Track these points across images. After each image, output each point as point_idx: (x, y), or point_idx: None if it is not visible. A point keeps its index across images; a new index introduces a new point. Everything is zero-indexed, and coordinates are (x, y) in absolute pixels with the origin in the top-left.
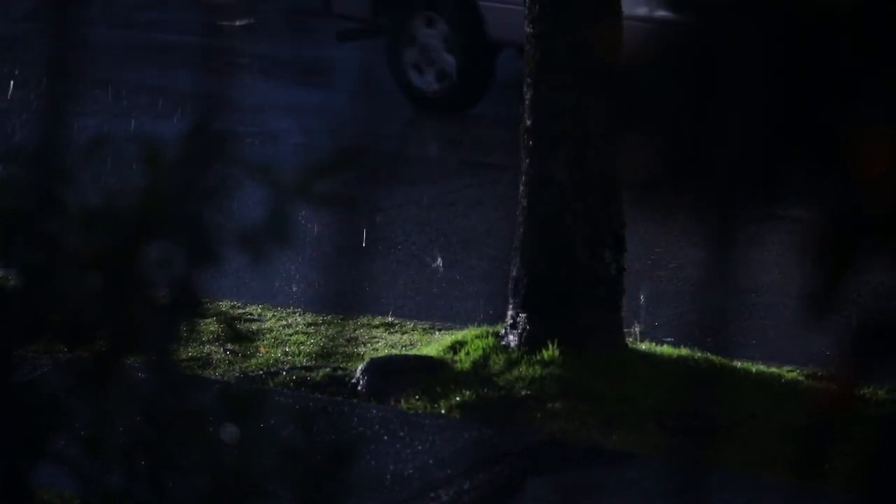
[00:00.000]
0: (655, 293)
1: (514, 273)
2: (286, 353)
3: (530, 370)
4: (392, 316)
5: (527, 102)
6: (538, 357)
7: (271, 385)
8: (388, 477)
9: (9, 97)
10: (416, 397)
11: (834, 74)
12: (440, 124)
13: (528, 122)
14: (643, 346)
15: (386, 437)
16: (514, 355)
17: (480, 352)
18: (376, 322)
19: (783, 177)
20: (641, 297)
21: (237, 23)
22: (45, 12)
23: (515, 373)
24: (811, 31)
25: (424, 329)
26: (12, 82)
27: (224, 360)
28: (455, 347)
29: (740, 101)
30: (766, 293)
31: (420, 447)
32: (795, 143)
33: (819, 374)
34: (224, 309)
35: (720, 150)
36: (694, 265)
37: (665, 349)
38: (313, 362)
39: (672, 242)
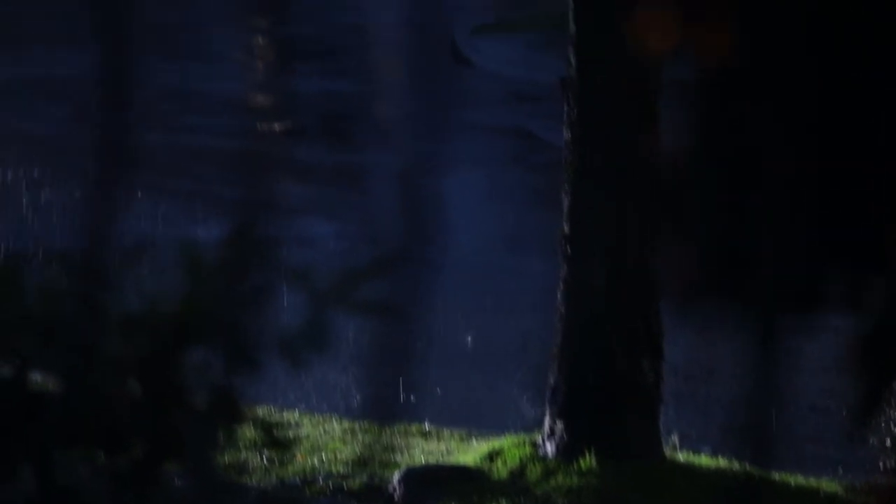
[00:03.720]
0: (693, 401)
1: (551, 381)
2: (323, 461)
3: (567, 480)
4: (429, 423)
5: (565, 209)
6: (575, 467)
7: (308, 493)
8: None
9: (49, 200)
10: None
11: (875, 182)
12: (475, 228)
13: (566, 229)
14: (681, 456)
15: None
16: (552, 465)
17: (517, 461)
18: (413, 429)
19: (824, 287)
20: (679, 405)
21: (276, 127)
22: (85, 115)
23: (553, 483)
24: (848, 141)
25: (461, 437)
26: (53, 185)
27: (261, 467)
28: (492, 456)
29: (781, 211)
30: (805, 403)
31: None
32: (837, 253)
33: (859, 486)
34: (261, 415)
35: (760, 259)
36: (732, 373)
37: (703, 459)
38: (350, 470)
39: (710, 350)
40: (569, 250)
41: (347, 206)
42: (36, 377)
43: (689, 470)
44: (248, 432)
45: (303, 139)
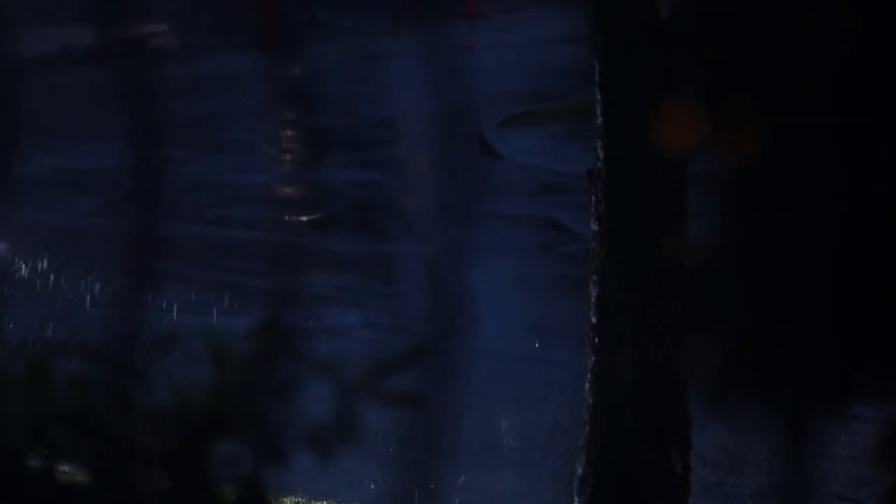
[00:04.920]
0: (722, 491)
1: (579, 471)
2: None
3: None
4: None
5: (592, 299)
6: None
7: None
8: None
9: (77, 293)
10: None
11: None
12: (502, 317)
13: (594, 320)
14: None
15: None
16: None
17: None
18: None
19: (853, 377)
20: (708, 495)
21: (305, 217)
22: (114, 207)
23: None
24: (876, 235)
25: None
26: (82, 277)
27: None
28: None
29: (809, 301)
30: (835, 493)
31: None
32: (865, 344)
33: None
34: None
35: (790, 349)
36: (761, 463)
37: None
38: None
39: (739, 440)
40: (596, 341)
41: (376, 295)
42: (65, 468)
43: None
44: None
45: (332, 229)
